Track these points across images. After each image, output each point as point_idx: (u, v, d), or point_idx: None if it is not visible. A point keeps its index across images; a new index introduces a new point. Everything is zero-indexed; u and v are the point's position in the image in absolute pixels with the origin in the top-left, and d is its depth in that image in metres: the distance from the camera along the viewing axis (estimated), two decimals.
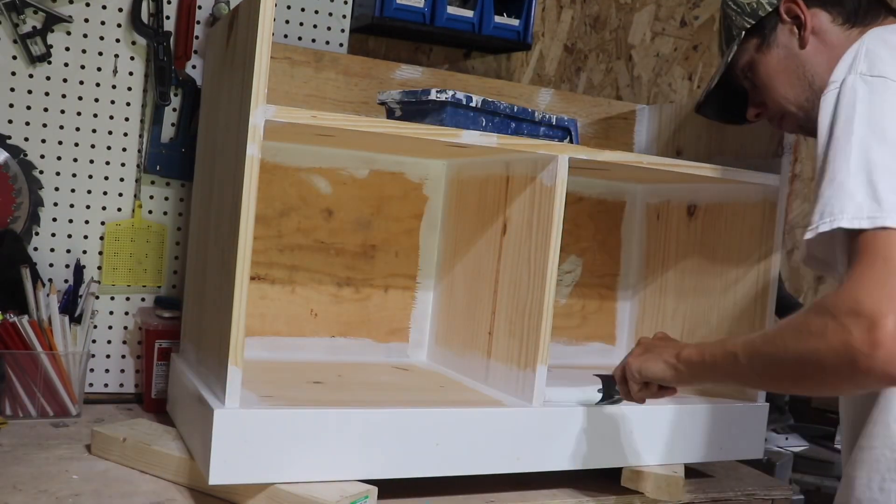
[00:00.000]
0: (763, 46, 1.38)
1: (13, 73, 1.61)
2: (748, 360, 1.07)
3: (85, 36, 1.66)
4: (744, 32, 1.39)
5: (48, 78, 1.64)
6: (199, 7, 1.73)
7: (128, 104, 1.70)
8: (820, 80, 1.29)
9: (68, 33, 1.64)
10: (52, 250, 1.67)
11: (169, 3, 1.70)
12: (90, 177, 1.69)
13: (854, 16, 1.30)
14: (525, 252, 1.51)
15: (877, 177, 0.99)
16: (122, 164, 1.71)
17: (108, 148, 1.69)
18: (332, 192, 1.73)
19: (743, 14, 1.38)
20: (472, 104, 1.47)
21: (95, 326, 1.70)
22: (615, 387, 1.41)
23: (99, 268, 1.70)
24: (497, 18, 1.89)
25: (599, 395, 1.48)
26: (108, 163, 1.69)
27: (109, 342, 1.73)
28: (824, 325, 0.94)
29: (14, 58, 1.61)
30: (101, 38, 1.67)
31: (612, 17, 2.24)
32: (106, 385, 1.73)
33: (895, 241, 0.94)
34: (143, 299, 1.75)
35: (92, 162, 1.68)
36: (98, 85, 1.67)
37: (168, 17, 1.70)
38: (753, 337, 1.08)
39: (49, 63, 1.63)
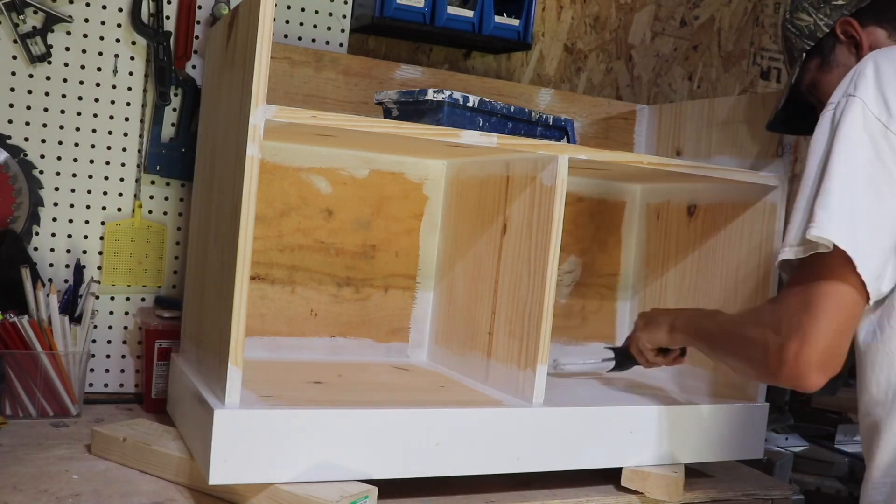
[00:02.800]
0: (824, 66, 1.40)
1: (13, 73, 1.61)
2: (711, 342, 1.33)
3: (85, 36, 1.66)
4: (805, 54, 1.42)
5: (48, 78, 1.64)
6: (199, 7, 1.73)
7: (128, 104, 1.70)
8: None
9: (68, 33, 1.64)
10: (52, 250, 1.67)
11: (169, 3, 1.70)
12: (90, 177, 1.69)
13: None
14: (525, 252, 1.51)
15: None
16: (122, 164, 1.71)
17: (108, 148, 1.69)
18: (332, 192, 1.73)
19: (802, 36, 1.42)
20: (470, 104, 1.47)
21: (95, 326, 1.70)
22: (629, 357, 1.62)
23: (99, 268, 1.70)
24: (497, 18, 1.89)
25: (610, 365, 1.69)
26: (108, 163, 1.69)
27: (109, 342, 1.73)
28: (756, 336, 1.16)
29: (14, 58, 1.61)
30: (101, 38, 1.67)
31: (612, 17, 2.24)
32: (106, 385, 1.73)
33: (826, 263, 1.10)
34: (143, 299, 1.75)
35: (92, 162, 1.68)
36: (98, 85, 1.67)
37: (168, 17, 1.70)
38: (723, 322, 1.31)
39: (49, 63, 1.63)
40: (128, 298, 1.74)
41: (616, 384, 1.79)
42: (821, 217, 1.10)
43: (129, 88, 1.70)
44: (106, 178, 1.70)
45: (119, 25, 1.68)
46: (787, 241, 1.15)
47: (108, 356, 1.73)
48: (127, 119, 1.70)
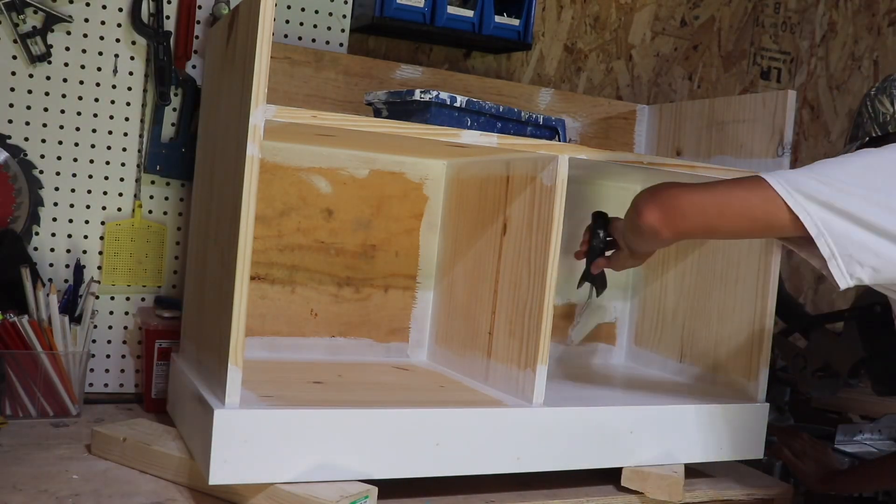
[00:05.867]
0: None
1: (13, 73, 1.61)
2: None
3: (85, 36, 1.66)
4: (868, 139, 1.43)
5: (48, 78, 1.64)
6: (199, 7, 1.73)
7: (128, 104, 1.70)
8: None
9: (68, 33, 1.64)
10: (52, 250, 1.67)
11: (169, 3, 1.70)
12: (90, 177, 1.69)
13: None
14: (525, 252, 1.51)
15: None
16: (122, 164, 1.71)
17: (108, 148, 1.69)
18: (332, 192, 1.73)
19: (874, 122, 1.42)
20: (457, 104, 1.46)
21: (95, 326, 1.70)
22: (598, 279, 1.61)
23: (99, 268, 1.70)
24: (497, 18, 1.89)
25: (593, 296, 1.65)
26: (108, 163, 1.69)
27: (109, 342, 1.73)
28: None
29: (14, 58, 1.61)
30: (101, 38, 1.67)
31: (612, 17, 2.24)
32: (106, 385, 1.73)
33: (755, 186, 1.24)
34: (143, 299, 1.75)
35: (92, 162, 1.68)
36: (98, 85, 1.67)
37: (168, 17, 1.70)
38: None
39: (49, 63, 1.63)
40: (128, 298, 1.74)
41: (616, 384, 1.79)
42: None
43: (129, 88, 1.70)
44: (106, 178, 1.70)
45: (119, 25, 1.68)
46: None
47: (108, 356, 1.73)
48: (127, 119, 1.70)
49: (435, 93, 1.44)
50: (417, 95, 1.44)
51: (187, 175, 1.73)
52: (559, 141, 1.61)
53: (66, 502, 1.22)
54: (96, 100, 1.67)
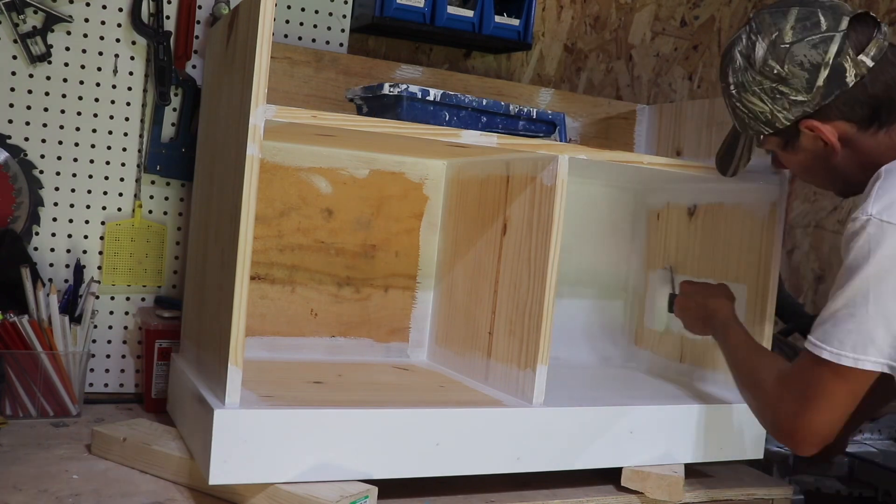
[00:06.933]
0: (787, 147, 1.37)
1: (13, 73, 1.61)
2: (735, 372, 1.46)
3: (85, 36, 1.66)
4: (762, 136, 1.38)
5: (48, 78, 1.64)
6: (199, 7, 1.73)
7: (128, 104, 1.70)
8: (854, 178, 1.33)
9: (68, 33, 1.64)
10: (52, 250, 1.67)
11: (169, 3, 1.70)
12: (90, 177, 1.69)
13: (876, 119, 1.29)
14: (525, 252, 1.51)
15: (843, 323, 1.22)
16: (122, 164, 1.71)
17: (108, 148, 1.69)
18: (332, 192, 1.73)
19: (757, 120, 1.35)
20: (430, 98, 1.44)
21: (95, 326, 1.70)
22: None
23: (99, 268, 1.70)
24: (497, 18, 1.89)
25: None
26: (108, 163, 1.69)
27: (109, 342, 1.73)
28: (765, 400, 1.34)
29: (14, 58, 1.61)
30: (102, 38, 1.67)
31: (612, 17, 2.24)
32: (106, 385, 1.73)
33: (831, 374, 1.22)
34: (143, 299, 1.75)
35: (92, 162, 1.68)
36: (98, 85, 1.67)
37: (168, 17, 1.70)
38: (751, 365, 1.41)
39: (49, 63, 1.63)
40: (128, 298, 1.74)
41: (616, 384, 1.79)
42: (830, 333, 1.22)
43: (129, 88, 1.70)
44: (106, 178, 1.70)
45: (119, 25, 1.68)
46: (816, 324, 1.25)
47: (108, 356, 1.73)
48: (127, 119, 1.70)
49: (404, 86, 1.42)
50: (386, 89, 1.42)
51: (187, 175, 1.73)
52: (558, 136, 1.61)
53: (66, 502, 1.22)
54: (96, 100, 1.67)
